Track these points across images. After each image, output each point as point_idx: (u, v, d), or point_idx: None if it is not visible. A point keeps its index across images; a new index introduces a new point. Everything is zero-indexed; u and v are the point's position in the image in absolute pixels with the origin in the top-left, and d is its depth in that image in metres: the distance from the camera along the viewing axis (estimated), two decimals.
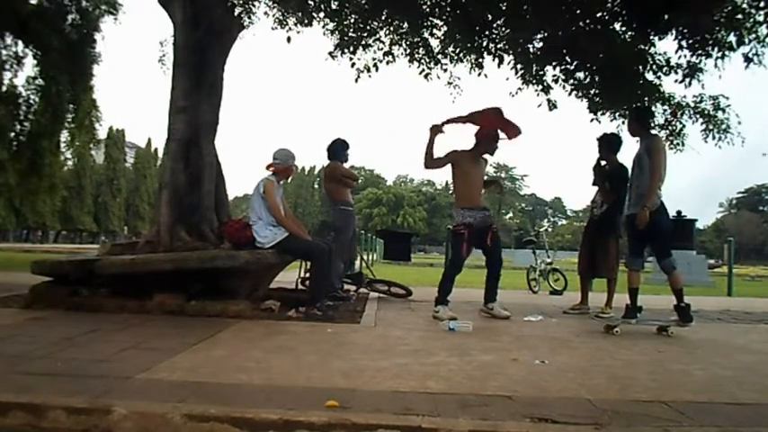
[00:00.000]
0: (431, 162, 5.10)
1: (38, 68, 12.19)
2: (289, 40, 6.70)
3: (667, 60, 6.39)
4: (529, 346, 3.76)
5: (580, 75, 6.80)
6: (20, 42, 11.97)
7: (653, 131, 6.29)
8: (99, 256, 5.33)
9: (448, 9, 6.57)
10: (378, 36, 7.03)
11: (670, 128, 6.75)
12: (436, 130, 5.10)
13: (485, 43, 6.82)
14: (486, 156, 5.32)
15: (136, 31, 31.19)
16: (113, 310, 4.49)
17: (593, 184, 5.93)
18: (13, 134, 12.61)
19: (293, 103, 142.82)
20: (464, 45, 6.90)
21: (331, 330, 4.08)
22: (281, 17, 6.78)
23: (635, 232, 4.74)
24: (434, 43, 7.17)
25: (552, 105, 7.16)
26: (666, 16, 5.84)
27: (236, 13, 6.06)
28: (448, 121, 5.16)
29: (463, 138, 5.31)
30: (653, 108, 6.71)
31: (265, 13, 6.81)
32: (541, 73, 6.98)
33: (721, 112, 6.39)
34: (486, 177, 5.50)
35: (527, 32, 6.42)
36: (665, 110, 6.78)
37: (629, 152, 5.14)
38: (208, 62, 5.97)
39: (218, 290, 4.64)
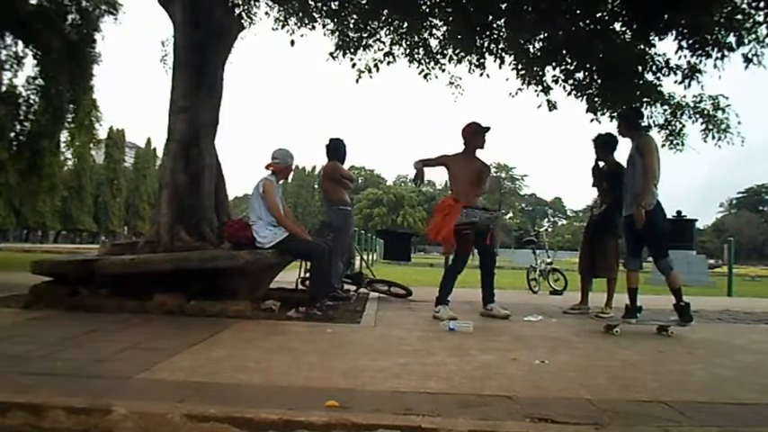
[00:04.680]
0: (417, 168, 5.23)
1: (38, 68, 12.19)
2: (293, 43, 6.73)
3: (667, 61, 6.40)
4: (529, 346, 3.76)
5: (579, 75, 6.80)
6: (20, 42, 11.98)
7: (648, 131, 6.30)
8: (99, 256, 5.33)
9: (448, 9, 6.58)
10: (378, 36, 7.03)
11: (670, 128, 6.76)
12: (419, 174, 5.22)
13: (485, 43, 6.83)
14: (479, 152, 5.28)
15: (136, 31, 31.19)
16: (113, 310, 4.49)
17: (593, 185, 5.93)
18: (13, 134, 12.60)
19: (293, 104, 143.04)
20: (464, 45, 6.91)
21: (331, 330, 4.08)
22: (281, 18, 6.80)
23: (632, 233, 4.74)
24: (434, 43, 7.19)
25: (552, 106, 7.17)
26: (666, 16, 5.85)
27: (236, 14, 6.07)
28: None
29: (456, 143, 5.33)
30: (652, 108, 6.73)
31: (266, 13, 6.83)
32: (541, 73, 6.98)
33: (721, 111, 6.40)
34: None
35: (527, 33, 6.43)
36: (664, 110, 6.79)
37: (627, 152, 5.14)
38: (208, 62, 5.96)
39: (218, 290, 4.64)
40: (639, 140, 4.82)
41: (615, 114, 6.86)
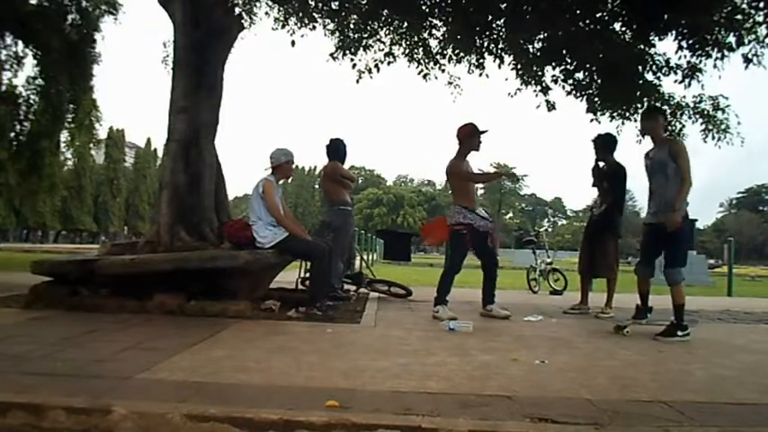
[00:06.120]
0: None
1: (38, 68, 12.19)
2: (293, 44, 6.73)
3: (667, 61, 6.41)
4: (529, 346, 3.76)
5: (579, 75, 6.81)
6: (20, 42, 11.98)
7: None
8: (99, 256, 5.33)
9: (448, 9, 6.58)
10: (378, 36, 7.04)
11: (669, 128, 6.76)
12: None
13: (485, 44, 6.84)
14: (473, 153, 5.23)
15: (136, 31, 31.26)
16: (113, 310, 4.49)
17: (593, 185, 5.93)
18: (13, 134, 12.61)
19: (294, 104, 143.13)
20: (464, 45, 6.92)
21: (331, 330, 4.08)
22: (281, 18, 6.80)
23: (653, 239, 4.57)
24: (434, 44, 7.19)
25: (551, 106, 7.17)
26: (666, 16, 5.85)
27: (236, 14, 6.07)
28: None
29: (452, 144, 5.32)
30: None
31: (266, 13, 6.83)
32: (540, 73, 6.99)
33: (721, 112, 6.40)
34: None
35: (527, 33, 6.43)
36: (664, 110, 6.79)
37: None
38: (208, 62, 5.96)
39: (218, 290, 4.64)
40: (673, 145, 4.57)
41: (618, 114, 6.85)
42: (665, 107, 6.74)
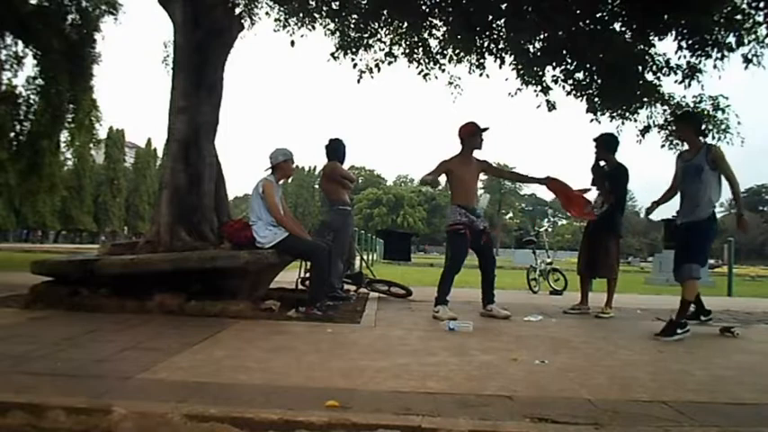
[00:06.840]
0: (430, 181, 5.16)
1: (38, 68, 12.23)
2: (293, 44, 6.73)
3: (667, 61, 6.41)
4: (529, 346, 3.76)
5: (579, 75, 6.81)
6: (20, 42, 12.01)
7: (647, 132, 6.24)
8: (99, 256, 5.33)
9: (448, 9, 6.58)
10: (378, 36, 7.04)
11: (670, 128, 6.77)
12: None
13: (486, 44, 6.84)
14: (477, 153, 5.25)
15: (136, 31, 31.31)
16: (113, 310, 4.48)
17: (593, 184, 5.93)
18: (13, 134, 12.63)
19: (294, 104, 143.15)
20: (464, 46, 6.92)
21: (331, 330, 4.08)
22: (282, 18, 6.80)
23: (685, 241, 4.54)
24: (433, 44, 7.19)
25: (551, 106, 7.17)
26: (666, 16, 5.85)
27: (236, 14, 6.07)
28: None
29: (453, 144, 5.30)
30: (652, 108, 6.73)
31: (266, 13, 6.83)
32: (541, 73, 6.99)
33: (721, 112, 6.40)
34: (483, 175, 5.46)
35: (527, 33, 6.43)
36: (664, 110, 6.79)
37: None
38: (208, 62, 5.95)
39: (218, 290, 4.64)
40: (711, 152, 4.51)
41: (618, 113, 6.84)
42: (665, 107, 6.75)
